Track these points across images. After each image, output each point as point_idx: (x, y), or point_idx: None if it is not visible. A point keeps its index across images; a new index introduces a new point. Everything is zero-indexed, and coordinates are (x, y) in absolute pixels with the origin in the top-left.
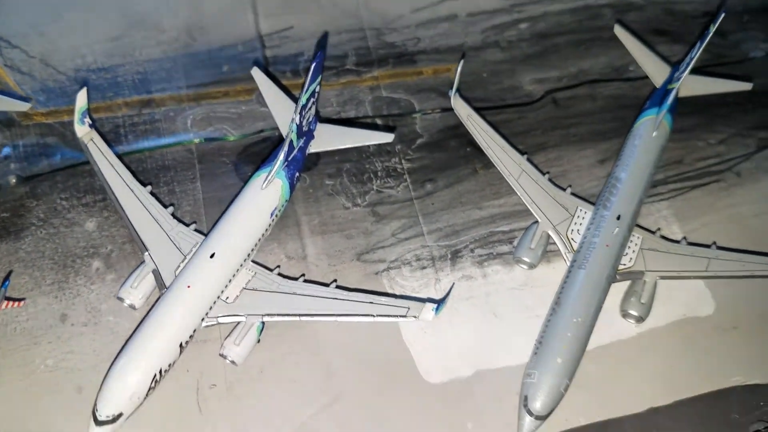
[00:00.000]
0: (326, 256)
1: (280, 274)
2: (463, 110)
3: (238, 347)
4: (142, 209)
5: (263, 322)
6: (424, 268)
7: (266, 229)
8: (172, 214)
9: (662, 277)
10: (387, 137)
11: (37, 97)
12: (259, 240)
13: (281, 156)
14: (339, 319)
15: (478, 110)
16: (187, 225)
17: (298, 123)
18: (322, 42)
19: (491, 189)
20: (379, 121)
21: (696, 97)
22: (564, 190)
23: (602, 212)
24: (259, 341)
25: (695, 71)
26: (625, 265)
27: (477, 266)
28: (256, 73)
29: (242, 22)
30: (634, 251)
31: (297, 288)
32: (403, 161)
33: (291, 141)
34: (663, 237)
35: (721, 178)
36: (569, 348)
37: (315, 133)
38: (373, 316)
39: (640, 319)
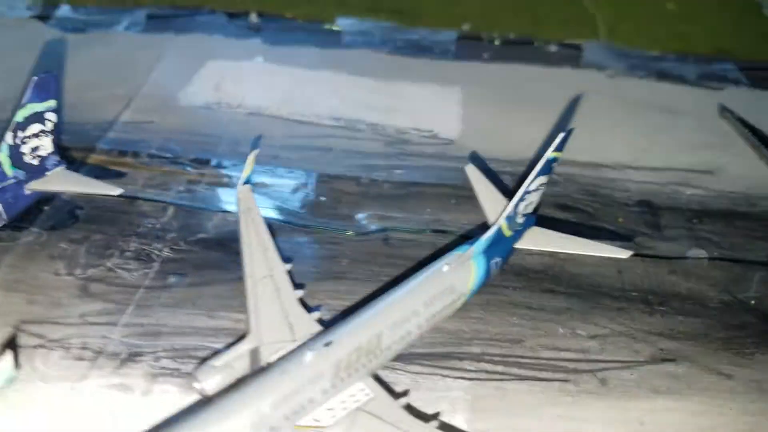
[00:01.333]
0: None
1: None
2: (245, 202)
3: None
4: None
5: None
6: (80, 359)
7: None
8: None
9: None
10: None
11: None
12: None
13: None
14: None
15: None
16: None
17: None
18: None
19: (242, 300)
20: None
21: (584, 280)
22: (310, 312)
23: (320, 337)
24: None
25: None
26: (318, 420)
27: (147, 378)
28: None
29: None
30: (344, 407)
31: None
32: (165, 250)
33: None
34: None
35: (573, 380)
36: None
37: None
38: None
39: None
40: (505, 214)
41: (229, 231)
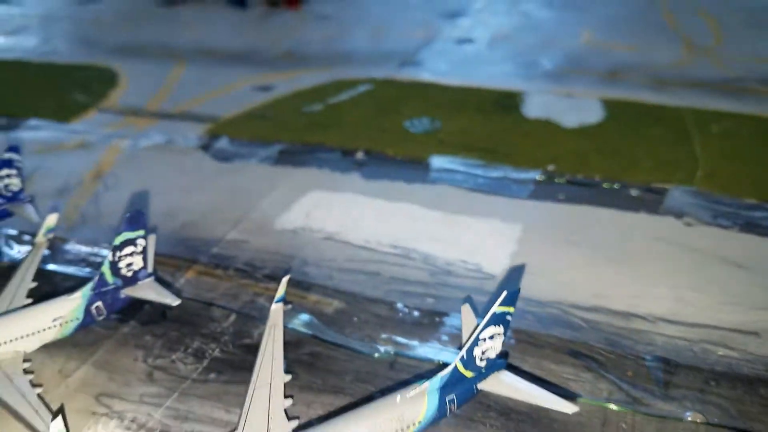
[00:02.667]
0: (77, 389)
1: None
2: (274, 319)
3: None
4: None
5: None
6: (127, 429)
7: None
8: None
9: None
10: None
11: None
12: None
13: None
14: None
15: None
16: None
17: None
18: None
19: None
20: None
21: (563, 427)
22: (289, 420)
23: None
24: None
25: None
26: None
27: None
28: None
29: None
30: None
31: None
32: (217, 351)
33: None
34: None
35: None
36: None
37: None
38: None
39: None
40: (458, 356)
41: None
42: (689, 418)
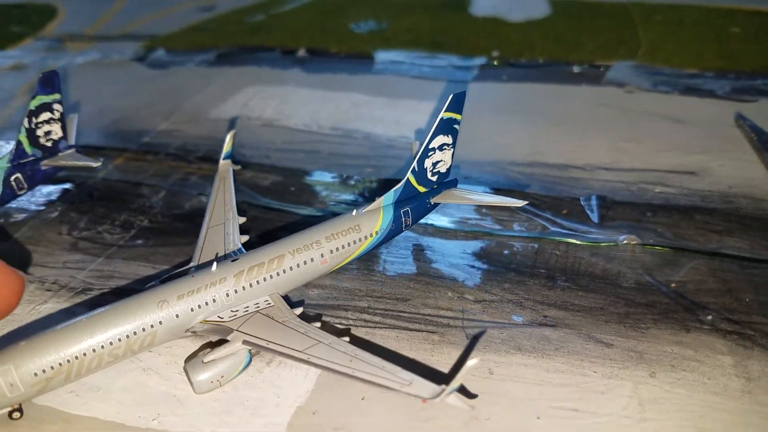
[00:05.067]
0: None
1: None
2: (223, 173)
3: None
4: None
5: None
6: (48, 290)
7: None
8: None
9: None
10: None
11: None
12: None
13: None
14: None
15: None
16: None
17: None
18: None
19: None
20: None
21: (497, 258)
22: (226, 249)
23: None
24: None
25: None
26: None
27: (89, 306)
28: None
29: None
30: (246, 310)
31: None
32: (146, 221)
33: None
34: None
35: (439, 332)
36: None
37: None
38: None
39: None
40: (410, 169)
41: (199, 209)
42: (624, 242)
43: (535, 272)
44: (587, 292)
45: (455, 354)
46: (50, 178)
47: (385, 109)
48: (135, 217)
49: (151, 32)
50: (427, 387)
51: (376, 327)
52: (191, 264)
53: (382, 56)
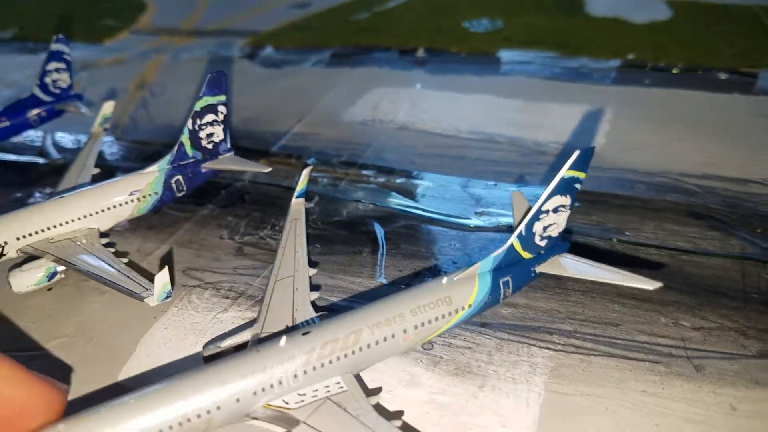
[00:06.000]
0: (164, 260)
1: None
2: (295, 213)
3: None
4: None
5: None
6: (225, 297)
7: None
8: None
9: None
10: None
11: None
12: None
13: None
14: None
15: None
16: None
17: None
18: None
19: (356, 267)
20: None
21: (701, 280)
22: (318, 311)
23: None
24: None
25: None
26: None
27: None
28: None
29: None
30: (315, 396)
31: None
32: (309, 228)
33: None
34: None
35: (664, 363)
36: None
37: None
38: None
39: None
40: (516, 233)
41: (357, 216)
42: None
43: (747, 297)
44: None
45: (687, 387)
46: (208, 181)
47: (523, 112)
48: None
49: (248, 29)
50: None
51: (590, 354)
52: (255, 325)
53: (507, 56)
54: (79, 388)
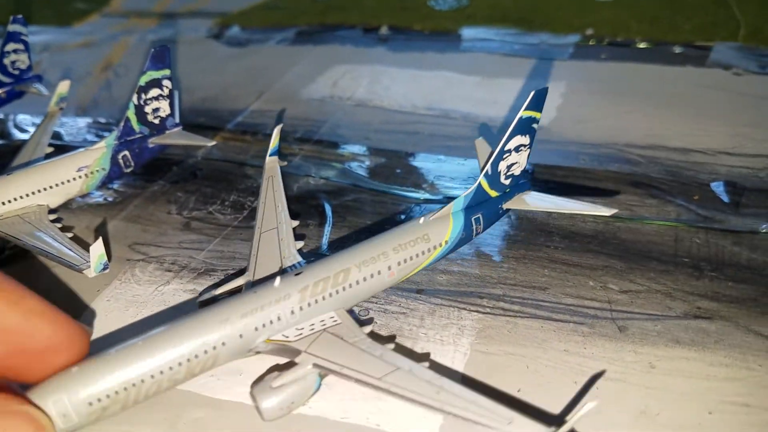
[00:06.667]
0: (111, 237)
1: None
2: (270, 171)
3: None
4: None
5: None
6: (168, 270)
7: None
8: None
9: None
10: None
11: None
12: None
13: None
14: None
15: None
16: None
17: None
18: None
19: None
20: None
21: (633, 246)
22: (283, 258)
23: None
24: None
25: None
26: (287, 336)
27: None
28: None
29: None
30: (312, 329)
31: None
32: (256, 202)
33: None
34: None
35: (588, 324)
36: None
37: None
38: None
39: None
40: (482, 173)
41: (308, 191)
42: (765, 230)
43: (678, 261)
44: (736, 283)
45: (609, 346)
46: (156, 156)
47: (480, 88)
48: (245, 198)
49: (220, 10)
50: (532, 428)
51: (517, 316)
52: (246, 274)
53: (469, 33)
54: None
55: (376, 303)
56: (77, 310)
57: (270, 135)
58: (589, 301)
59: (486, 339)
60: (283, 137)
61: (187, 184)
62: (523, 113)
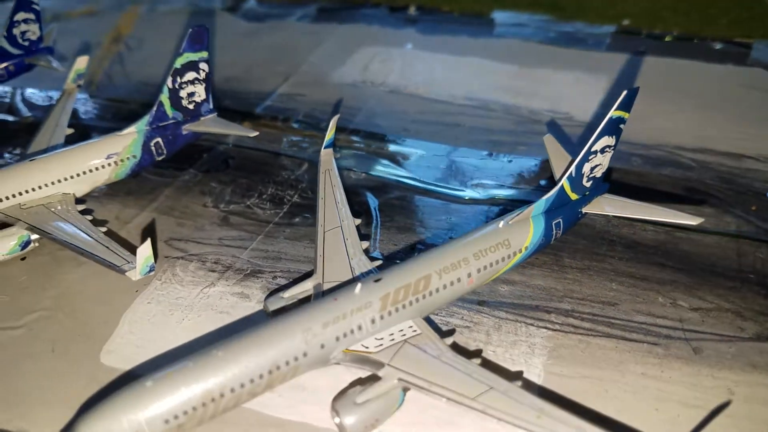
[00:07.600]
0: (145, 229)
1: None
2: (326, 164)
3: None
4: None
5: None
6: (212, 271)
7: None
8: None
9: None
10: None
11: None
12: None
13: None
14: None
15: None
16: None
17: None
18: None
19: None
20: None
21: (698, 258)
22: (371, 259)
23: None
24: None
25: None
26: (367, 347)
27: (263, 290)
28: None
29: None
30: (392, 339)
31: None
32: (295, 196)
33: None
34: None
35: (662, 345)
36: None
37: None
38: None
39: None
40: (566, 175)
41: (349, 186)
42: None
43: (744, 277)
44: None
45: (686, 370)
46: (189, 144)
47: (518, 79)
48: (284, 192)
49: None
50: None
51: (589, 335)
52: (314, 276)
53: (502, 18)
54: (60, 365)
55: (438, 315)
56: (114, 314)
57: (304, 122)
58: (661, 319)
59: (559, 359)
60: (315, 124)
61: (219, 174)
62: (613, 113)
